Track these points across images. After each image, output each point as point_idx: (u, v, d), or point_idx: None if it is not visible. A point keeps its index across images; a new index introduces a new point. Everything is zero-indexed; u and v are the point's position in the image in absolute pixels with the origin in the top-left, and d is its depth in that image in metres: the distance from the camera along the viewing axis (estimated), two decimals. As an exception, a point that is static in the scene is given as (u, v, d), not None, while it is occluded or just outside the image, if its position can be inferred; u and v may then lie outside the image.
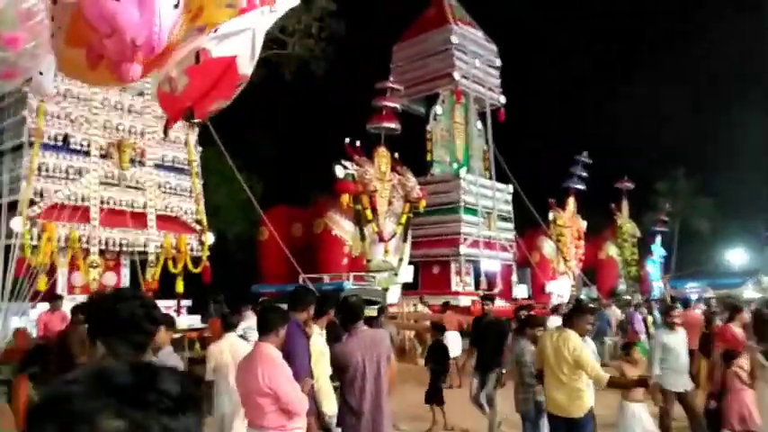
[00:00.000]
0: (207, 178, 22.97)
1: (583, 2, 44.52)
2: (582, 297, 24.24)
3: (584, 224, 26.29)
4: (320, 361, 5.10)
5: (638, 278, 28.15)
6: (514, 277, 22.34)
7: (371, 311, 10.57)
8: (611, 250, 27.62)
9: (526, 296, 22.37)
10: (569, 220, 25.51)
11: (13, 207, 9.30)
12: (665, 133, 39.33)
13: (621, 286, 26.78)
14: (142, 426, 0.77)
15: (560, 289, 23.89)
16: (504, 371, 6.60)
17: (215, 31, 2.59)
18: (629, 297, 24.38)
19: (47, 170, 9.57)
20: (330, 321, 6.34)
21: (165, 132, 7.40)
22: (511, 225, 22.85)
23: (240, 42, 2.57)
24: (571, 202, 25.92)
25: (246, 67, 2.66)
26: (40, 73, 2.52)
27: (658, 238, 29.70)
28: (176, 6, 2.39)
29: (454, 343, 11.02)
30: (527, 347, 5.49)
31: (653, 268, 29.03)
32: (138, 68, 2.42)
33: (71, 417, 0.76)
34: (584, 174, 26.18)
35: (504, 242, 22.04)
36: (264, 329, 3.89)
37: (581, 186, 26.21)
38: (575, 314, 4.99)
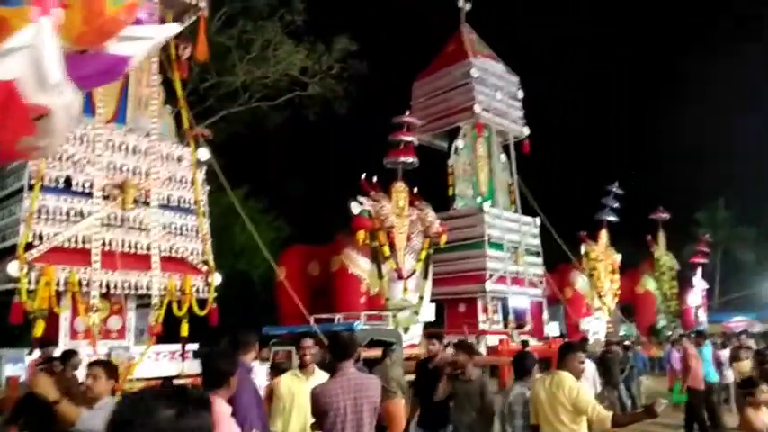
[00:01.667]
0: (233, 220, 23.17)
1: (610, 25, 43.93)
2: (623, 333, 23.15)
3: (618, 257, 25.30)
4: (289, 409, 4.65)
5: (679, 312, 26.79)
6: (545, 314, 21.42)
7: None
8: (649, 284, 26.47)
9: (558, 334, 21.41)
10: (602, 253, 24.58)
11: (13, 251, 9.13)
12: (702, 161, 38.09)
13: (662, 321, 25.53)
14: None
15: (595, 326, 22.84)
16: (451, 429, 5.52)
17: None
18: (669, 333, 23.19)
19: (47, 213, 9.40)
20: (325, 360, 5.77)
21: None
22: (539, 260, 22.06)
23: (17, 62, 2.13)
24: (603, 234, 25.02)
25: (36, 95, 2.19)
26: None
27: (699, 270, 28.34)
28: None
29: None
30: (524, 394, 4.80)
31: (695, 302, 27.61)
32: None
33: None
34: (617, 205, 25.32)
35: (534, 278, 21.24)
36: (214, 382, 3.37)
37: (613, 218, 25.33)
38: (565, 353, 4.40)
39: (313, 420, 4.49)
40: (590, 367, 7.57)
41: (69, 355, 7.37)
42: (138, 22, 2.80)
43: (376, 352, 10.44)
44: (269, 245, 24.38)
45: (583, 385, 4.35)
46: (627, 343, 15.29)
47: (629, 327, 25.06)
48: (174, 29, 2.99)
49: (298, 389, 4.82)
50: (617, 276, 25.03)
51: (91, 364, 3.83)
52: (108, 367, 3.78)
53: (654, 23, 45.60)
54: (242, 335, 4.64)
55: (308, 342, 5.04)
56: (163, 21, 12.03)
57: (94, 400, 3.64)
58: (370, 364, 9.48)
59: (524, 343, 12.18)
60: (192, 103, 24.90)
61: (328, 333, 10.48)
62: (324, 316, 12.70)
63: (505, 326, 19.78)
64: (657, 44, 46.78)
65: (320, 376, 4.73)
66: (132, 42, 2.68)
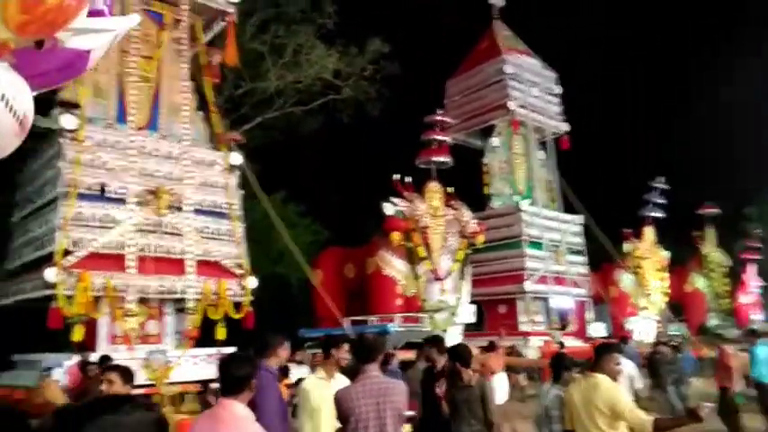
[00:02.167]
0: (271, 225, 23.35)
1: (650, 14, 42.48)
2: (673, 333, 22.36)
3: (666, 255, 24.46)
4: (318, 413, 4.49)
5: (731, 311, 25.72)
6: (590, 314, 20.82)
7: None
8: (699, 282, 25.51)
9: (604, 334, 20.80)
10: (648, 250, 23.82)
11: (51, 258, 9.27)
12: (750, 154, 36.52)
13: (713, 320, 24.56)
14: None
15: (642, 326, 22.13)
16: None
17: None
18: (720, 332, 22.30)
19: (82, 219, 9.54)
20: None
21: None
22: (582, 258, 21.46)
23: None
24: (649, 231, 24.26)
25: None
26: None
27: (752, 267, 27.17)
28: None
29: (500, 388, 9.91)
30: (561, 397, 4.53)
31: (748, 299, 26.47)
32: None
33: None
34: (662, 201, 24.51)
35: (576, 277, 20.66)
36: (232, 388, 3.24)
37: (659, 214, 24.53)
38: (601, 354, 4.14)
39: (339, 425, 4.34)
40: (627, 367, 7.20)
41: (105, 359, 7.42)
42: (98, 13, 2.65)
43: (411, 354, 10.25)
44: (307, 248, 24.54)
45: (620, 387, 4.07)
46: (675, 343, 14.71)
47: (680, 326, 24.20)
48: (134, 19, 2.84)
49: (325, 393, 4.68)
50: (665, 274, 24.19)
51: (106, 369, 3.76)
52: (123, 372, 3.71)
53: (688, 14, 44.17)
54: (268, 338, 4.53)
55: (347, 347, 4.90)
56: (192, 28, 12.20)
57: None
58: (407, 367, 9.30)
59: (560, 344, 11.75)
60: (228, 110, 25.23)
61: (360, 336, 10.36)
62: (358, 318, 12.57)
63: (548, 327, 19.29)
64: (702, 34, 45.31)
65: (341, 379, 4.59)
66: (91, 35, 2.54)
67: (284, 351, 4.73)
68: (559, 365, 4.79)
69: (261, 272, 23.30)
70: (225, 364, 3.40)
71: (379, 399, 3.85)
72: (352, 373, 4.87)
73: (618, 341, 12.81)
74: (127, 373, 3.71)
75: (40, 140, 10.30)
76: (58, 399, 3.51)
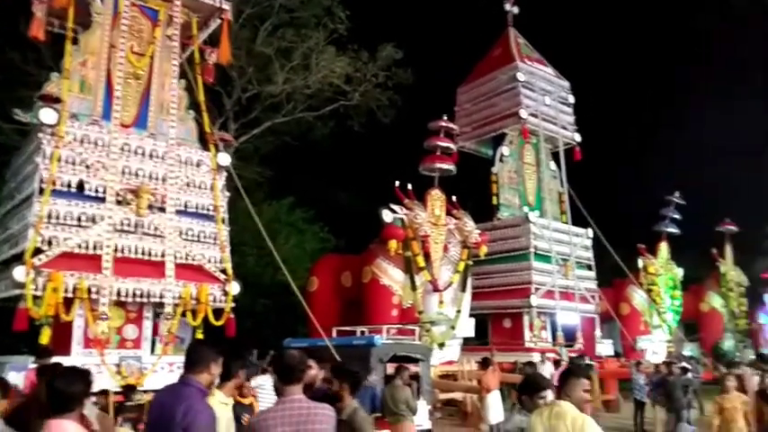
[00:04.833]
0: (277, 230, 22.93)
1: (670, 22, 41.40)
2: (686, 353, 21.50)
3: (680, 272, 23.64)
4: None
5: (748, 332, 24.75)
6: (598, 332, 20.06)
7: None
8: (715, 301, 24.59)
9: (612, 353, 20.04)
10: (662, 267, 23.04)
11: (23, 257, 8.93)
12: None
13: (729, 342, 23.61)
14: None
15: (654, 345, 21.31)
16: None
17: None
18: (737, 354, 21.45)
19: (57, 217, 9.21)
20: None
21: None
22: (592, 273, 20.74)
23: None
24: (663, 247, 23.49)
25: None
26: None
27: (771, 287, 26.18)
28: None
29: (495, 406, 9.39)
30: (523, 422, 4.03)
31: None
32: None
33: None
34: (678, 216, 23.73)
35: (585, 293, 19.94)
36: (60, 406, 2.85)
37: (674, 230, 23.75)
38: (567, 379, 3.67)
39: None
40: None
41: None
42: None
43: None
44: (314, 255, 24.12)
45: (589, 419, 3.56)
46: (684, 365, 13.95)
47: (693, 346, 23.31)
48: None
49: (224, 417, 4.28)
50: (678, 292, 23.36)
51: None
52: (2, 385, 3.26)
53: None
54: (194, 351, 3.69)
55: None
56: (187, 26, 11.89)
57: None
58: (387, 382, 8.79)
59: (556, 362, 11.08)
60: (237, 113, 25.02)
61: (343, 347, 9.88)
62: (345, 329, 12.07)
63: (554, 344, 18.57)
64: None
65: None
66: None
67: (217, 368, 4.10)
68: (522, 388, 4.24)
69: (263, 279, 22.95)
70: (52, 379, 2.97)
71: (299, 427, 3.35)
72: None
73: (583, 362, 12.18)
74: (4, 386, 3.27)
75: (25, 136, 10.04)
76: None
